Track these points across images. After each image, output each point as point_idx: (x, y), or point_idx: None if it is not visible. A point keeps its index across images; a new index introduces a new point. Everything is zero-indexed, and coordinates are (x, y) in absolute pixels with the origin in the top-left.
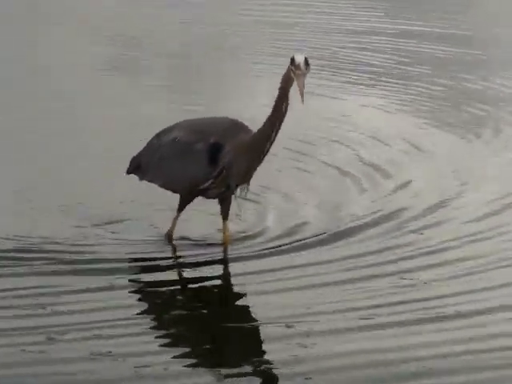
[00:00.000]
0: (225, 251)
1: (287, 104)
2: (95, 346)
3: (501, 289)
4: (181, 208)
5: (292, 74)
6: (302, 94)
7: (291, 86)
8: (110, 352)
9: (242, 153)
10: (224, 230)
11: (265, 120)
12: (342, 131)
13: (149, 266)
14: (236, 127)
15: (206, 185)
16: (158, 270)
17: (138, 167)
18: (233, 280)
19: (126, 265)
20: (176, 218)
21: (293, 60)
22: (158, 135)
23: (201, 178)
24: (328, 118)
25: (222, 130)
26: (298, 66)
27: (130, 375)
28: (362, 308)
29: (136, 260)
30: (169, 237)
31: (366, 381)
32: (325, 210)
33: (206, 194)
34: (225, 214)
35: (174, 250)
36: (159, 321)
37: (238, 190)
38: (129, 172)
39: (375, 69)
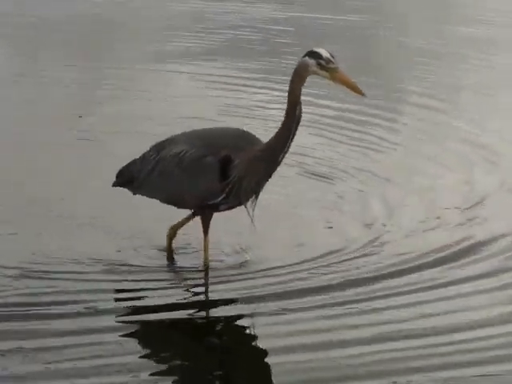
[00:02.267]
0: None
1: (301, 106)
2: None
3: None
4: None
5: (321, 71)
6: (355, 87)
7: (303, 85)
8: None
9: (252, 165)
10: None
11: (278, 129)
12: None
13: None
14: (244, 138)
15: (218, 200)
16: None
17: (129, 181)
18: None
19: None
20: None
21: (318, 55)
22: (155, 148)
23: (212, 194)
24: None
25: (231, 141)
26: (328, 60)
27: None
28: None
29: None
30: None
31: None
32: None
33: (217, 208)
34: (205, 229)
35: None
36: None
37: (249, 203)
38: (117, 185)
39: None
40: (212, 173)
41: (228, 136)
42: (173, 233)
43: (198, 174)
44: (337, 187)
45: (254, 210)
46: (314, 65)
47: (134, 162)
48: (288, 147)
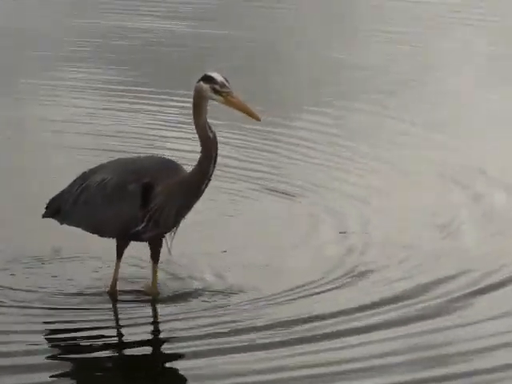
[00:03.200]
0: (154, 302)
1: (212, 129)
2: None
3: None
4: (120, 255)
5: (214, 95)
6: (249, 111)
7: (205, 108)
8: None
9: (174, 193)
10: (153, 274)
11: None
12: None
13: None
14: (168, 167)
15: (139, 228)
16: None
17: (57, 211)
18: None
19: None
20: (117, 269)
21: (212, 79)
22: (82, 177)
23: (132, 221)
24: None
25: (154, 169)
26: (223, 84)
27: None
28: None
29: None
30: (112, 290)
31: None
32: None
33: (139, 237)
34: (155, 257)
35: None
36: None
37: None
38: (46, 216)
39: None
40: (133, 199)
41: (152, 164)
42: (113, 291)
43: (120, 201)
44: (301, 205)
45: (172, 239)
46: (208, 89)
47: (62, 191)
48: (211, 174)
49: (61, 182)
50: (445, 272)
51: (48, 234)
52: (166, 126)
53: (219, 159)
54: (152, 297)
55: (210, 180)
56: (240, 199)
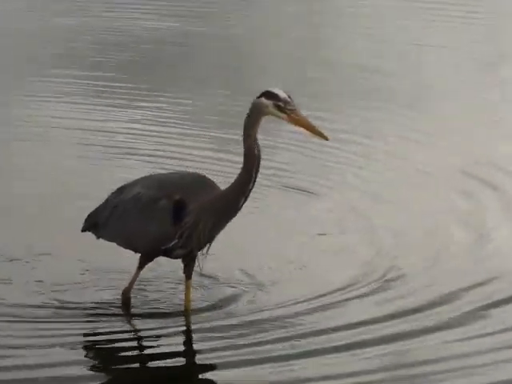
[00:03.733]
0: (187, 317)
1: (258, 146)
2: None
3: None
4: (141, 266)
5: (277, 112)
6: (316, 130)
7: (260, 124)
8: None
9: (207, 211)
10: (186, 290)
11: (238, 173)
12: None
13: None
14: (202, 183)
15: (170, 245)
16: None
17: (95, 225)
18: (197, 356)
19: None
20: (135, 276)
21: (275, 96)
22: (118, 190)
23: (164, 237)
24: None
25: (187, 186)
26: (287, 102)
27: None
28: None
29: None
30: (125, 295)
31: None
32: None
33: (170, 254)
34: (188, 273)
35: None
36: None
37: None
38: (84, 229)
39: None
40: (163, 215)
41: (185, 180)
42: (126, 296)
43: (151, 216)
44: (320, 202)
45: (205, 257)
46: (271, 105)
47: (100, 205)
48: (249, 191)
49: (60, 181)
50: (479, 277)
51: (48, 235)
52: (162, 123)
53: (232, 157)
54: (186, 311)
55: (248, 196)
56: (256, 196)
